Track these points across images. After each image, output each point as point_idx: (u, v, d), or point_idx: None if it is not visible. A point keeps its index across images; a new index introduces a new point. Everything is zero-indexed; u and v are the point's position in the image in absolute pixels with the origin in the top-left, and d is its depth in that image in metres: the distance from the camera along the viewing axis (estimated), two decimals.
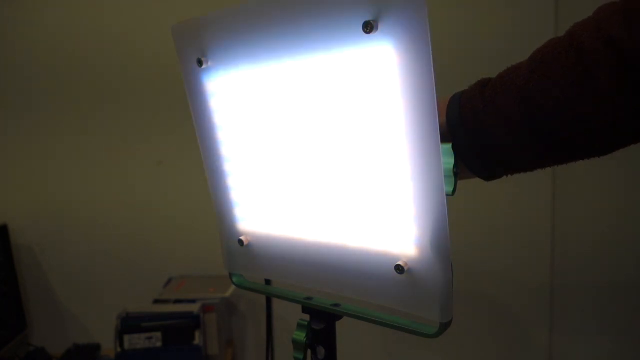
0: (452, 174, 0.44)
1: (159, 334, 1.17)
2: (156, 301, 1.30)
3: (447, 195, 0.40)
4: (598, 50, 0.40)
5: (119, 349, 1.17)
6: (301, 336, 0.52)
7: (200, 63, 0.50)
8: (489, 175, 0.50)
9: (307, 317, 0.53)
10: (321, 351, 0.52)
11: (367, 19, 0.37)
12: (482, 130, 0.47)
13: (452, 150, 0.45)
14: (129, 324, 1.18)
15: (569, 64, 0.41)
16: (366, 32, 0.37)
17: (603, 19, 0.40)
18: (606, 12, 0.41)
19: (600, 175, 1.32)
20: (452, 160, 0.45)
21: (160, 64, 1.39)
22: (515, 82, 0.45)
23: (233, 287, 1.34)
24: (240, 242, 0.55)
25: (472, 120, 0.47)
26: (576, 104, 0.41)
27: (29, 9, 1.42)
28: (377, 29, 0.37)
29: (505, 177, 0.51)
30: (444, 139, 0.39)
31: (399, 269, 0.41)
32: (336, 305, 0.50)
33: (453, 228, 0.40)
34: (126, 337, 1.17)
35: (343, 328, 0.55)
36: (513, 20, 1.32)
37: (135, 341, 1.17)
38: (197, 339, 1.19)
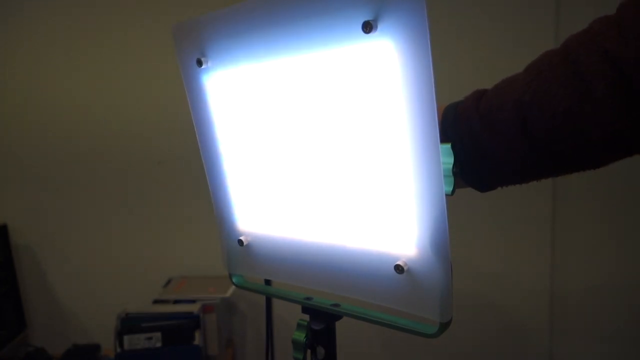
0: (451, 173, 0.44)
1: (158, 334, 1.17)
2: (156, 301, 1.30)
3: (446, 194, 0.40)
4: (595, 63, 0.39)
5: (118, 349, 1.17)
6: (301, 336, 0.52)
7: (199, 63, 0.50)
8: (484, 186, 0.50)
9: (306, 317, 0.53)
10: (321, 351, 0.52)
11: (367, 19, 0.37)
12: (477, 143, 0.47)
13: (451, 150, 0.45)
14: (129, 324, 1.18)
15: (566, 77, 0.41)
16: (365, 32, 0.37)
17: (598, 33, 0.40)
18: (601, 26, 0.40)
19: (600, 177, 1.32)
20: (451, 160, 0.45)
21: None
22: (512, 95, 0.44)
23: (233, 287, 1.34)
24: (240, 242, 0.55)
25: (467, 133, 0.47)
26: (574, 117, 0.41)
27: None
28: (376, 28, 0.37)
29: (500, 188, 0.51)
30: None
31: (399, 268, 0.41)
32: (336, 305, 0.50)
33: (452, 228, 0.40)
34: (126, 338, 1.17)
35: (343, 328, 0.55)
36: (513, 26, 1.33)
37: (135, 341, 1.17)
38: (197, 339, 1.19)
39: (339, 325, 0.52)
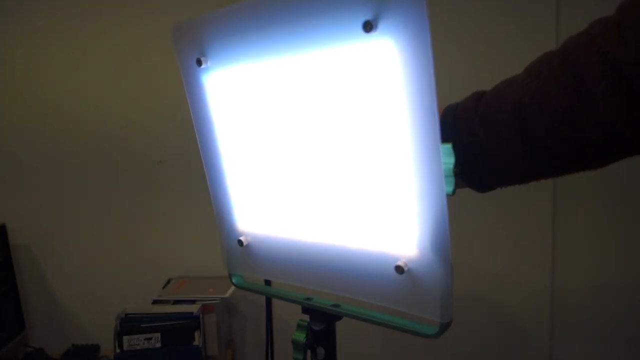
0: (452, 173, 0.44)
1: (158, 335, 1.17)
2: (155, 302, 1.30)
3: (446, 195, 0.40)
4: (594, 64, 0.39)
5: (118, 350, 1.16)
6: (301, 336, 0.52)
7: (199, 62, 0.49)
8: (484, 187, 0.50)
9: (306, 317, 0.53)
10: (321, 351, 0.51)
11: (367, 18, 0.37)
12: (477, 145, 0.47)
13: (452, 150, 0.45)
14: (128, 324, 1.18)
15: (566, 78, 0.41)
16: (366, 32, 0.37)
17: (598, 34, 0.40)
18: (601, 27, 0.40)
19: (600, 177, 1.32)
20: (452, 160, 0.44)
21: None
22: (511, 96, 0.44)
23: (233, 288, 1.33)
24: (240, 242, 0.55)
25: (467, 134, 0.47)
26: (574, 118, 0.41)
27: None
28: (376, 28, 0.37)
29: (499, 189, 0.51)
30: None
31: (399, 269, 0.41)
32: (336, 305, 0.50)
33: (453, 228, 0.39)
34: (125, 338, 1.16)
35: (343, 328, 0.55)
36: (514, 20, 1.32)
37: (135, 342, 1.16)
38: (197, 340, 1.19)
39: (339, 325, 0.52)
